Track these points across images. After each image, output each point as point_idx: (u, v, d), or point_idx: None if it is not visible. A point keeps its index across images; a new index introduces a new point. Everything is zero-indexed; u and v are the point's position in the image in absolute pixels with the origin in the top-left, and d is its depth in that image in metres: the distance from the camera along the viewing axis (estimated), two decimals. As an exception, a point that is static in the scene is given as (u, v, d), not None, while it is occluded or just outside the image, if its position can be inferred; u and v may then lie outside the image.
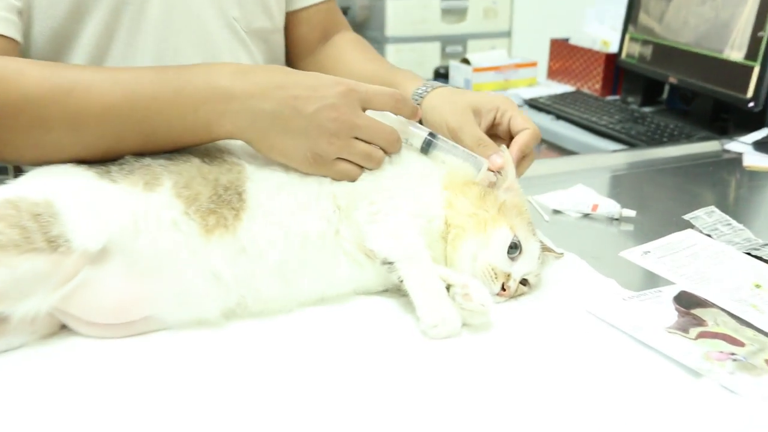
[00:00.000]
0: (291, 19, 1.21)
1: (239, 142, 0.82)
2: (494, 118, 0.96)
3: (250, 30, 1.12)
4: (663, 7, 1.98)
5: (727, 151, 1.48)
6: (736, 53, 1.67)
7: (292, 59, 1.24)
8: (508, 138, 0.95)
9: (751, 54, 1.62)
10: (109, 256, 0.71)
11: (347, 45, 1.22)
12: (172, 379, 0.66)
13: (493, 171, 0.87)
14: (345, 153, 0.80)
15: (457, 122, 0.93)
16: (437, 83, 1.02)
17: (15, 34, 0.89)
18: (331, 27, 1.24)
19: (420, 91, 1.00)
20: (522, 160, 0.93)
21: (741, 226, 1.03)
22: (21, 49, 0.91)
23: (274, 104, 0.78)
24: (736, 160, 1.42)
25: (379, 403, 0.63)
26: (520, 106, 2.23)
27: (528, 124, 0.94)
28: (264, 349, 0.71)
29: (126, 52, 1.00)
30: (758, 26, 1.61)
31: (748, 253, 0.95)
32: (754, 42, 1.61)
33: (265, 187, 0.78)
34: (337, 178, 0.81)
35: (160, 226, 0.73)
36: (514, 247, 0.79)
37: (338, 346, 0.71)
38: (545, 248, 0.86)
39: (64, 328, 0.73)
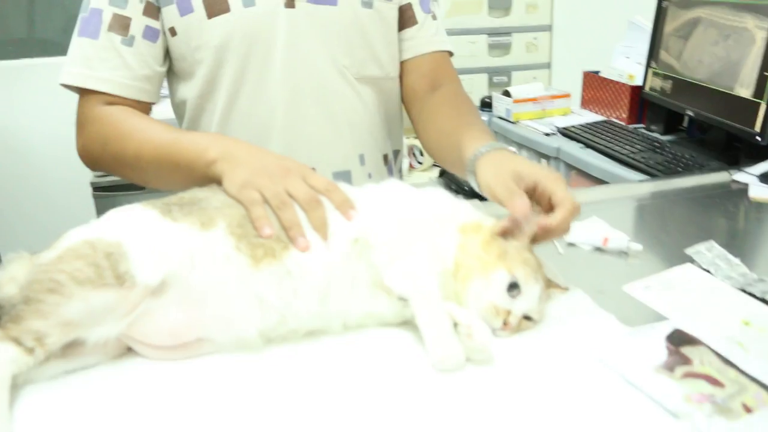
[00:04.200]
0: (402, 67, 1.22)
1: None
2: (533, 188, 0.85)
3: (361, 77, 1.15)
4: (681, 46, 1.90)
5: (736, 182, 1.41)
6: (744, 90, 1.59)
7: (404, 103, 1.26)
8: (547, 210, 0.85)
9: (759, 92, 1.54)
10: (167, 288, 0.72)
11: (444, 100, 1.19)
12: (217, 397, 0.68)
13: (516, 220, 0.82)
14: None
15: (494, 182, 0.86)
16: (497, 145, 0.94)
17: (146, 97, 1.09)
18: (438, 78, 1.22)
19: (478, 153, 0.93)
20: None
21: (738, 261, 0.98)
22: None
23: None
24: (743, 191, 1.35)
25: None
26: (554, 133, 2.18)
27: (566, 202, 0.82)
28: (293, 371, 0.72)
29: (254, 91, 1.10)
30: (765, 67, 1.53)
31: (742, 289, 0.90)
32: (761, 81, 1.53)
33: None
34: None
35: (213, 260, 0.74)
36: (513, 287, 0.77)
37: (355, 372, 0.72)
38: (551, 284, 0.84)
39: (130, 350, 0.75)
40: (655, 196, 1.38)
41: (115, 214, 0.78)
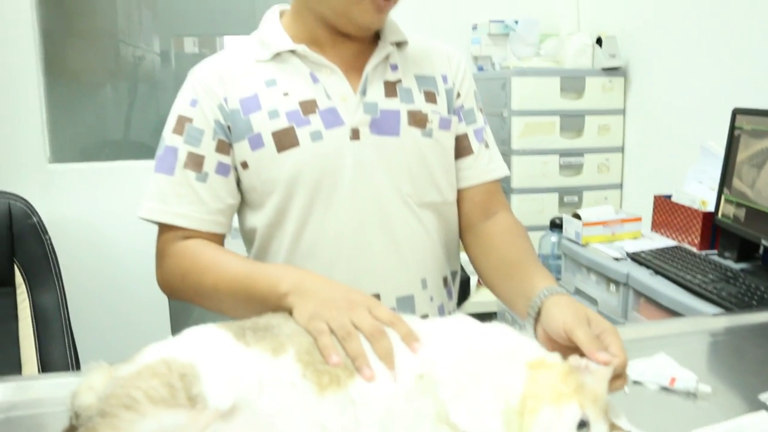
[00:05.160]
0: (457, 195, 1.27)
1: None
2: (598, 335, 0.88)
3: (422, 204, 1.20)
4: (754, 174, 1.89)
5: (815, 320, 1.35)
6: (822, 226, 1.56)
7: (458, 230, 1.29)
8: None
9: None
10: (236, 412, 0.73)
11: (501, 229, 1.23)
12: None
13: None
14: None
15: (575, 322, 0.89)
16: (559, 289, 0.99)
17: (219, 230, 1.16)
18: (491, 206, 1.27)
19: (546, 292, 0.98)
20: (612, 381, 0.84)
21: (816, 411, 0.93)
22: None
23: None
24: (823, 330, 1.29)
25: None
26: (623, 258, 2.16)
27: (619, 355, 0.85)
28: None
29: (322, 221, 1.15)
30: (842, 203, 1.50)
31: (820, 444, 0.86)
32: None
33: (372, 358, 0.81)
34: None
35: (281, 386, 0.76)
36: (582, 425, 0.76)
37: None
38: (614, 426, 0.82)
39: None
40: (728, 332, 1.33)
41: (191, 334, 0.82)
